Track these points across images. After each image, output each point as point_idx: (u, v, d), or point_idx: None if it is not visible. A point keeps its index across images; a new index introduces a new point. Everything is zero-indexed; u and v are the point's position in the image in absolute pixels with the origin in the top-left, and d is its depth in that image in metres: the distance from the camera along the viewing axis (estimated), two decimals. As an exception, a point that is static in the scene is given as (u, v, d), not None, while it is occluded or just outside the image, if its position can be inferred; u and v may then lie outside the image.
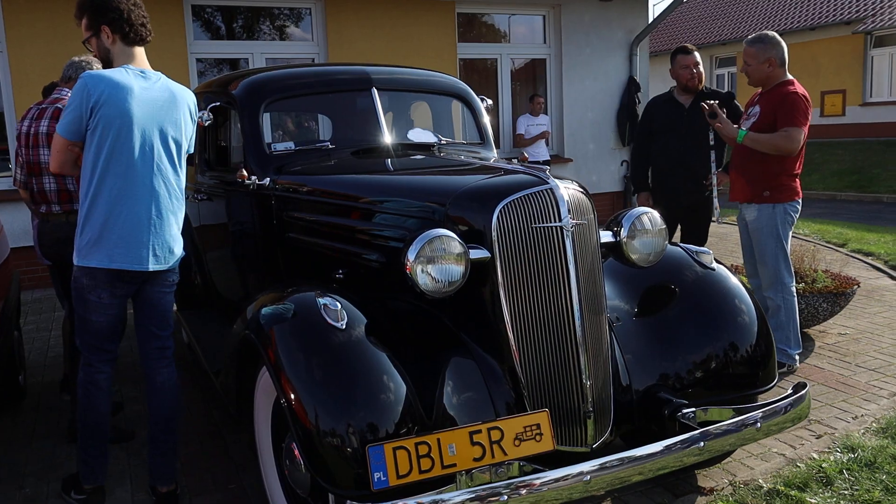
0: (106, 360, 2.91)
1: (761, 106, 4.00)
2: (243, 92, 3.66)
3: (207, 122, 3.66)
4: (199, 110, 3.68)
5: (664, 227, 2.72)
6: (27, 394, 4.32)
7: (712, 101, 4.21)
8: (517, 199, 2.39)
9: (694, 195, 4.71)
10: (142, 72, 2.82)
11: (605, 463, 2.16)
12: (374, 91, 3.73)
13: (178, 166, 2.89)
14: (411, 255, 2.30)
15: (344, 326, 2.26)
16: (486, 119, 4.16)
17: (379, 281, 2.80)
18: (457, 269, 2.33)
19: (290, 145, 3.59)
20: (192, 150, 3.03)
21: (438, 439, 2.05)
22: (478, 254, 2.38)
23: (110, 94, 2.66)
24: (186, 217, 4.81)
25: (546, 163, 9.05)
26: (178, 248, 2.93)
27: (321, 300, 2.32)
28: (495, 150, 4.06)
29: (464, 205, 2.49)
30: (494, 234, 2.37)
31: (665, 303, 2.86)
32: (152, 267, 2.80)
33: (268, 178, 3.39)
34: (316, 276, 3.18)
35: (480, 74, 9.67)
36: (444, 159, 3.44)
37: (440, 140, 3.85)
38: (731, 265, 3.98)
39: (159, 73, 2.90)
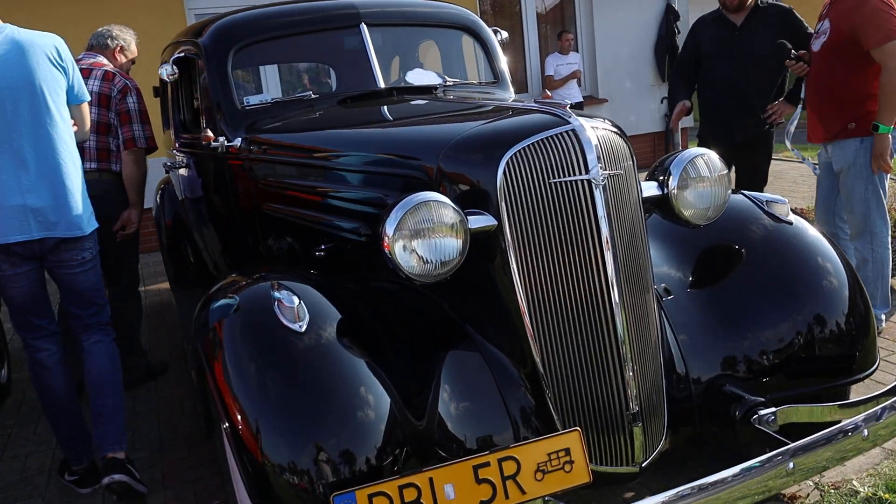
0: (41, 336, 2.71)
1: (831, 19, 3.27)
2: (209, 39, 3.10)
3: (172, 78, 3.14)
4: (165, 64, 3.20)
5: (725, 171, 2.09)
6: (11, 391, 3.93)
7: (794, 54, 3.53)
8: (529, 145, 1.81)
9: (750, 129, 4.00)
10: None
11: (665, 500, 1.59)
12: (364, 27, 3.13)
13: (49, 122, 2.54)
14: (390, 229, 1.74)
15: (303, 328, 1.72)
16: (501, 55, 3.52)
17: (364, 258, 2.25)
18: (451, 244, 1.77)
19: (266, 97, 3.04)
20: (84, 99, 2.75)
21: (431, 479, 1.52)
22: (480, 221, 1.81)
23: None
24: (171, 189, 4.36)
25: (579, 105, 8.33)
26: (78, 217, 2.60)
27: (276, 294, 1.79)
28: (512, 91, 3.44)
29: (460, 157, 1.91)
30: (501, 193, 1.80)
31: (729, 268, 2.26)
32: (39, 234, 2.52)
33: (239, 139, 2.85)
34: (296, 255, 2.65)
35: (507, 13, 8.91)
36: (446, 103, 2.84)
37: (445, 81, 3.24)
38: (797, 209, 3.35)
39: (6, 24, 2.58)
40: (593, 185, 1.79)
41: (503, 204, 1.80)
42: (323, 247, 2.41)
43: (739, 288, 2.21)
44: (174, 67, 3.13)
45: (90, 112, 3.45)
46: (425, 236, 1.75)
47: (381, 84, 3.03)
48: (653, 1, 9.11)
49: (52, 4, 6.36)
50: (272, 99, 3.04)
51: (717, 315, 2.16)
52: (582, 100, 8.44)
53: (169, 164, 3.89)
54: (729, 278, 2.24)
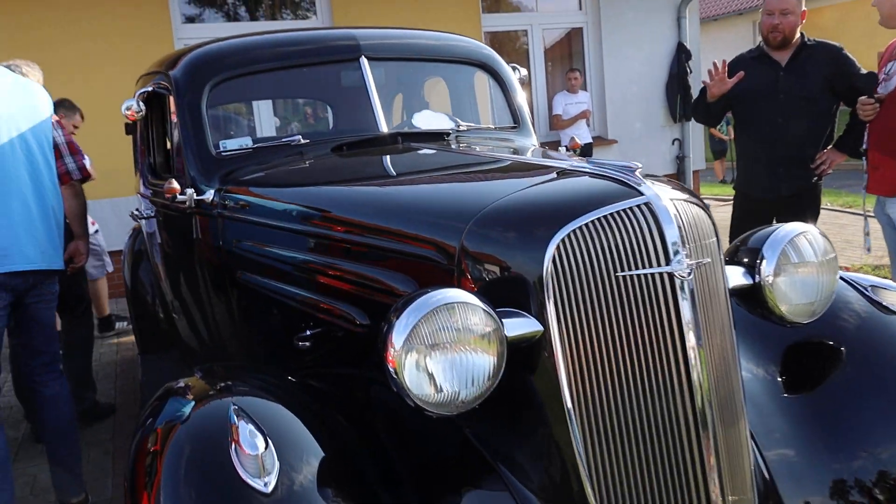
0: None
1: (904, 59, 2.85)
2: (181, 71, 2.63)
3: (139, 115, 2.70)
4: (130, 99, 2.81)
5: (834, 254, 1.61)
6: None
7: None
8: (587, 223, 1.32)
9: (798, 181, 3.55)
10: None
11: None
12: (364, 62, 2.67)
13: (49, 162, 2.73)
14: (397, 339, 1.24)
15: (269, 487, 1.21)
16: (521, 95, 3.07)
17: (359, 353, 1.75)
18: (482, 363, 1.27)
19: (247, 142, 2.56)
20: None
21: None
22: (521, 327, 1.32)
23: None
24: (142, 239, 3.88)
25: (588, 146, 7.93)
26: (59, 250, 2.75)
27: (239, 425, 1.28)
28: (535, 137, 2.98)
29: (491, 236, 1.42)
30: (549, 288, 1.31)
31: (827, 370, 1.77)
32: (41, 265, 2.61)
33: (211, 191, 2.37)
34: (276, 338, 2.15)
35: (508, 50, 8.54)
36: (462, 154, 2.36)
37: (458, 125, 2.77)
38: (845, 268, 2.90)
39: (5, 69, 2.74)
40: (677, 281, 1.31)
41: (551, 302, 1.31)
42: (308, 332, 1.91)
43: (842, 395, 1.72)
44: (140, 104, 2.69)
45: None
46: (446, 351, 1.25)
47: (384, 128, 2.56)
48: (664, 39, 8.77)
49: (31, 27, 5.98)
50: (254, 143, 2.56)
51: (816, 430, 1.67)
52: (591, 140, 8.04)
53: (137, 213, 3.41)
54: (828, 383, 1.75)
